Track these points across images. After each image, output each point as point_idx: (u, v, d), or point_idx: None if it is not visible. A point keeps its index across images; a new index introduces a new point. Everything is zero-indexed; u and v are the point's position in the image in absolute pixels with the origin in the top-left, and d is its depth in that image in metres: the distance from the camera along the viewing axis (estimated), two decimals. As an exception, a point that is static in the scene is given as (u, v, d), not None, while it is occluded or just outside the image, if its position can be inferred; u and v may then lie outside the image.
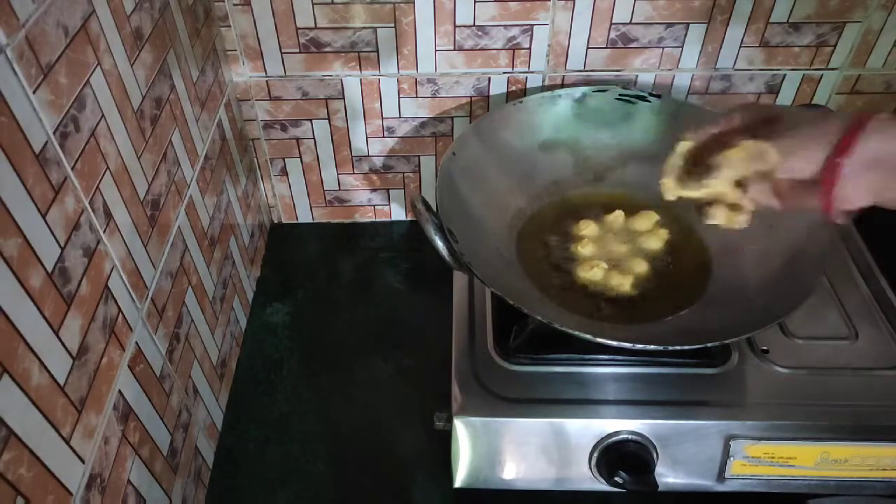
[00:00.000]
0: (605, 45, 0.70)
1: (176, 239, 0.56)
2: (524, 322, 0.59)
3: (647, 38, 0.70)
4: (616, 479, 0.54)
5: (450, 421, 0.55)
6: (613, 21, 0.68)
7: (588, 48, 0.70)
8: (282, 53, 0.70)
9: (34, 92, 0.37)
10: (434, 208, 0.55)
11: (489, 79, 0.73)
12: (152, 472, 0.51)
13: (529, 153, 0.69)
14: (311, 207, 0.86)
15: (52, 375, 0.38)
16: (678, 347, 0.52)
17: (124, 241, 0.47)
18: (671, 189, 0.49)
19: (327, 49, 0.70)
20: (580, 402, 0.55)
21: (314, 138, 0.78)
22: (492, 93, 0.74)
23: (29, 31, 0.36)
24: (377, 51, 0.70)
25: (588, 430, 0.54)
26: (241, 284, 0.75)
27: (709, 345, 0.52)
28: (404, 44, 0.70)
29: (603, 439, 0.54)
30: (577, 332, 0.49)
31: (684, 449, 0.55)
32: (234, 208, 0.72)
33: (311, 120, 0.76)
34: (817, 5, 0.68)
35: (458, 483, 0.58)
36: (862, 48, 0.71)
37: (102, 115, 0.44)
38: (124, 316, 0.47)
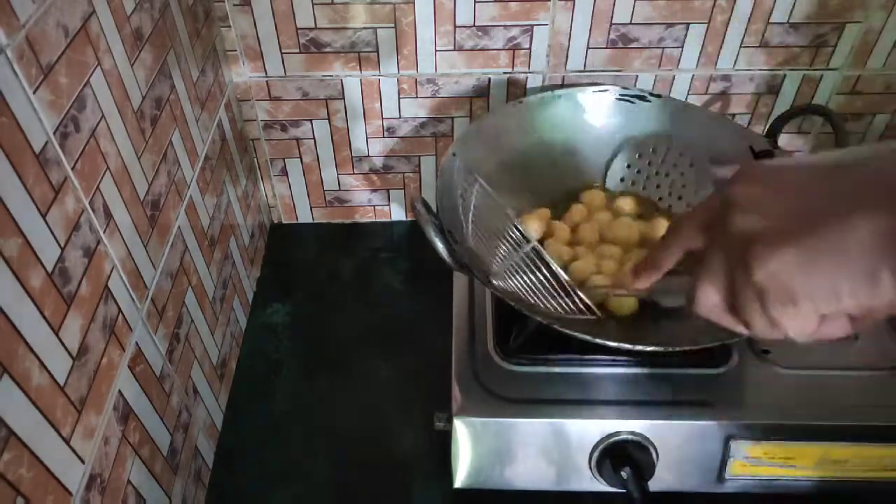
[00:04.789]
0: (605, 46, 0.70)
1: (176, 239, 0.56)
2: (524, 322, 0.59)
3: (647, 38, 0.70)
4: (616, 479, 0.54)
5: (450, 421, 0.55)
6: (613, 21, 0.68)
7: (588, 48, 0.70)
8: (282, 54, 0.70)
9: (34, 92, 0.37)
10: (434, 209, 0.55)
11: (489, 79, 0.73)
12: (152, 472, 0.51)
13: (529, 153, 0.68)
14: (311, 207, 0.86)
15: (52, 375, 0.38)
16: (678, 348, 0.52)
17: (124, 242, 0.47)
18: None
19: (327, 49, 0.70)
20: (580, 402, 0.55)
21: (314, 138, 0.78)
22: (492, 93, 0.74)
23: (29, 32, 0.36)
24: (377, 51, 0.70)
25: (588, 430, 0.54)
26: (241, 284, 0.75)
27: (709, 345, 0.52)
28: (404, 44, 0.70)
29: (603, 439, 0.54)
30: (577, 333, 0.49)
31: (684, 449, 0.55)
32: (234, 208, 0.72)
33: (311, 120, 0.76)
34: (817, 5, 0.68)
35: (458, 483, 0.58)
36: (862, 48, 0.71)
37: (102, 116, 0.44)
38: (124, 316, 0.47)
